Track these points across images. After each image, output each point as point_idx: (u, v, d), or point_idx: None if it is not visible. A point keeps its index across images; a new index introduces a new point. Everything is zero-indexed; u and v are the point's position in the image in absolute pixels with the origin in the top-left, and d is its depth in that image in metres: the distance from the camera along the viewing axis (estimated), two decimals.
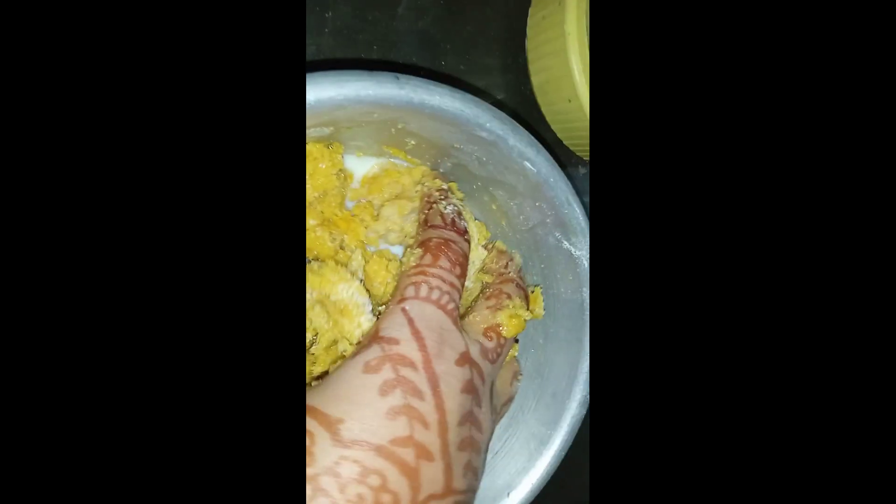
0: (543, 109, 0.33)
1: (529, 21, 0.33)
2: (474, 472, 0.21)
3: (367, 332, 0.21)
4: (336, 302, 0.22)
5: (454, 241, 0.23)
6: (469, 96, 0.22)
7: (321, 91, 0.20)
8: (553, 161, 0.24)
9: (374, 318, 0.22)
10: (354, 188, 0.27)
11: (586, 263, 0.26)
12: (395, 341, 0.19)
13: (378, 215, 0.26)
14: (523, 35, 0.33)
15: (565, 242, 0.26)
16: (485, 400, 0.21)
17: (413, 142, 0.25)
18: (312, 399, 0.18)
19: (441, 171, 0.27)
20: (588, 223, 0.26)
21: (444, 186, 0.25)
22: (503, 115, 0.23)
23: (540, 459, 0.27)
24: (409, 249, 0.23)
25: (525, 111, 0.23)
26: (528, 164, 0.24)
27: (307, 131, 0.23)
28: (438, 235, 0.23)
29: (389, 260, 0.24)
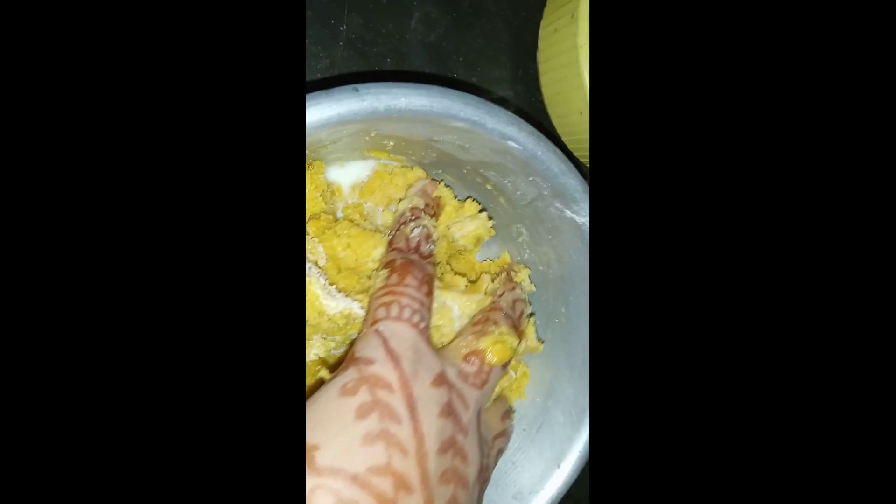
0: (554, 121, 0.32)
1: (541, 33, 0.32)
2: None
3: (344, 356, 0.20)
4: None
5: (418, 263, 0.22)
6: (436, 88, 0.21)
7: None
8: (538, 133, 0.23)
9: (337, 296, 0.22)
10: (347, 194, 0.26)
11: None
12: (371, 361, 0.19)
13: (372, 222, 0.26)
14: (533, 47, 0.33)
15: (567, 211, 0.25)
16: (471, 429, 0.20)
17: (392, 143, 0.24)
18: None
19: (426, 162, 0.27)
20: (586, 187, 0.25)
21: (420, 205, 0.24)
22: (476, 99, 0.22)
23: (583, 428, 0.27)
24: (374, 272, 0.23)
25: (534, 123, 0.23)
26: (511, 143, 0.23)
27: None
28: (403, 257, 0.22)
29: (353, 224, 0.24)
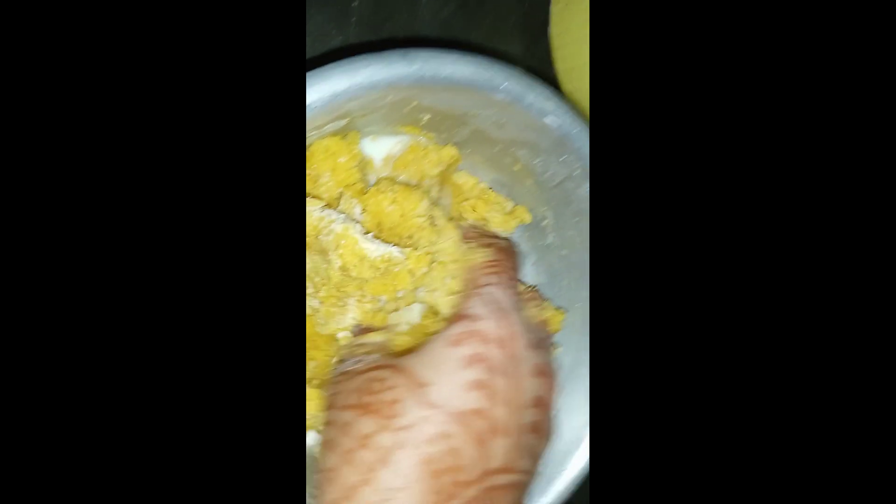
0: (568, 97, 0.33)
1: (552, 8, 0.33)
2: (534, 458, 0.22)
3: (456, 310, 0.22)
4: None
5: (514, 248, 0.25)
6: (481, 58, 0.21)
7: (335, 84, 0.19)
8: (576, 111, 0.24)
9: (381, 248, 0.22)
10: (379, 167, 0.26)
11: None
12: (479, 318, 0.21)
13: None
14: (545, 22, 0.33)
15: None
16: (556, 387, 0.23)
17: (427, 116, 0.24)
18: (405, 362, 0.21)
19: (457, 140, 0.27)
20: None
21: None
22: (520, 72, 0.22)
23: None
24: (470, 248, 0.24)
25: None
26: (548, 120, 0.23)
27: (323, 128, 0.22)
28: (498, 242, 0.25)
29: (394, 183, 0.24)
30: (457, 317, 0.22)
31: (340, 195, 0.24)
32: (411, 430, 0.19)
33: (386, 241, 0.23)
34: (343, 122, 0.23)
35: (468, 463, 0.19)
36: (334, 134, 0.24)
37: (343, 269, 0.22)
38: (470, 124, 0.25)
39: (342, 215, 0.23)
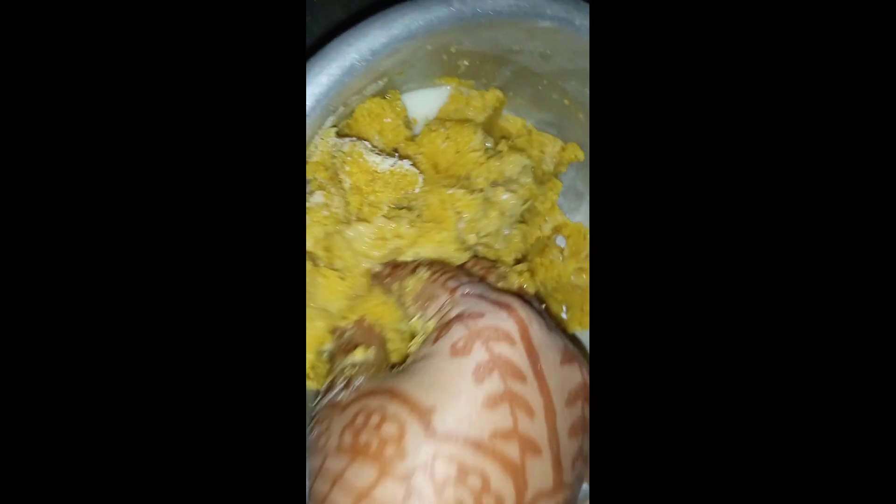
0: None
1: None
2: (585, 459, 0.18)
3: (441, 322, 0.18)
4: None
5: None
6: None
7: (373, 41, 0.18)
8: None
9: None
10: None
11: None
12: (479, 315, 0.17)
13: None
14: None
15: None
16: (586, 366, 0.18)
17: (466, 62, 0.23)
18: (400, 384, 0.16)
19: (498, 84, 0.25)
20: None
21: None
22: None
23: None
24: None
25: None
26: None
27: (363, 92, 0.21)
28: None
29: (445, 121, 0.23)
30: (449, 321, 0.17)
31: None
32: (425, 473, 0.14)
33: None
34: (382, 82, 0.22)
35: (506, 497, 0.15)
36: (374, 95, 0.22)
37: (355, 188, 0.20)
38: (512, 62, 0.23)
39: (352, 138, 0.22)
